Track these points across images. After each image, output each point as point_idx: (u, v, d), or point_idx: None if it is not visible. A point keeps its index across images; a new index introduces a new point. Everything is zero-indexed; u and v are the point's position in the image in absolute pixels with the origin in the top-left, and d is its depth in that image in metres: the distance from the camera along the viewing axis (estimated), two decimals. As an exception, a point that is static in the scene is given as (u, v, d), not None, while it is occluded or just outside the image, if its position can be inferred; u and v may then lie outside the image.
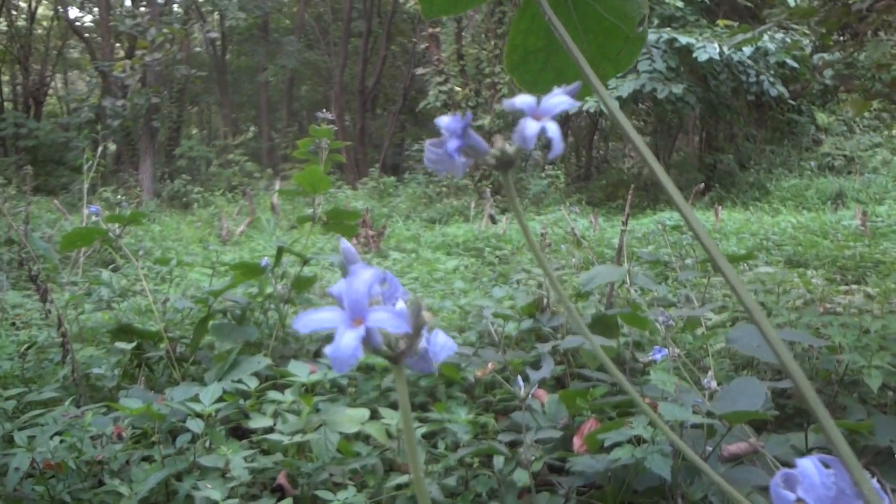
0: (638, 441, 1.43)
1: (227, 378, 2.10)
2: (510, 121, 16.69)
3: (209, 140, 25.99)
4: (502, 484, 1.63)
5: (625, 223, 3.14)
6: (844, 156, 15.68)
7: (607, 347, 2.01)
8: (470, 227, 9.22)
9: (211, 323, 2.52)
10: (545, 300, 2.87)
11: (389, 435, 1.79)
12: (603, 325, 2.41)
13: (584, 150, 20.36)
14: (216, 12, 21.01)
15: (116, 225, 2.81)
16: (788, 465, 1.51)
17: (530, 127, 0.42)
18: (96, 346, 2.76)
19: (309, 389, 1.96)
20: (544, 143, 0.43)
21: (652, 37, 12.37)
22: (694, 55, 12.12)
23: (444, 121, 0.44)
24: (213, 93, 25.56)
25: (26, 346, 2.67)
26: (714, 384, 1.53)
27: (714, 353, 2.59)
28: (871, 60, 4.30)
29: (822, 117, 17.16)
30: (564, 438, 1.86)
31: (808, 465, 0.37)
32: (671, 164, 16.83)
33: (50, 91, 25.60)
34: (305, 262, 2.65)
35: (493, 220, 9.62)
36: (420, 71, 17.16)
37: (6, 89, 24.02)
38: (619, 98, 12.26)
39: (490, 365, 2.24)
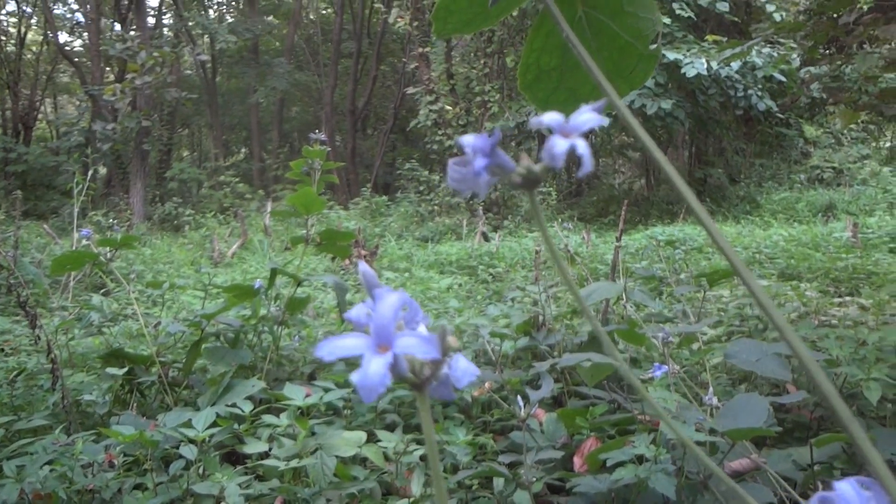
0: (640, 460, 1.41)
1: (221, 402, 2.07)
2: (504, 139, 16.73)
3: (200, 162, 25.99)
4: (502, 506, 1.60)
5: (619, 239, 3.13)
6: (833, 168, 15.80)
7: (606, 365, 1.99)
8: (463, 246, 9.22)
9: (204, 346, 2.49)
10: (541, 318, 2.85)
11: (387, 458, 1.76)
12: (599, 342, 2.39)
13: (576, 167, 20.42)
14: (206, 35, 21.10)
15: (107, 249, 2.78)
16: (790, 479, 1.48)
17: (559, 145, 0.42)
18: (87, 371, 2.72)
19: (304, 413, 1.93)
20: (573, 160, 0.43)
21: (640, 53, 12.47)
22: (682, 71, 12.22)
23: (469, 139, 0.43)
24: (203, 115, 25.60)
25: (15, 372, 2.63)
26: (715, 400, 1.52)
27: (711, 367, 2.57)
28: (858, 73, 4.33)
29: (810, 130, 17.29)
30: (564, 458, 1.84)
31: (846, 488, 0.35)
32: (662, 180, 16.92)
33: (39, 115, 25.57)
34: (299, 283, 2.63)
35: (486, 238, 9.62)
36: (410, 90, 17.23)
37: (-4, 114, 24.01)
38: (609, 114, 12.32)
39: (487, 384, 2.22)
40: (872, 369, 2.16)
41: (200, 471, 1.69)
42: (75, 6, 24.05)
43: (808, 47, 3.98)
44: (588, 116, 0.42)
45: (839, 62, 4.47)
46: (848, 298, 4.70)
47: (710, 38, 4.30)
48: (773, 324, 0.36)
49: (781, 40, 10.24)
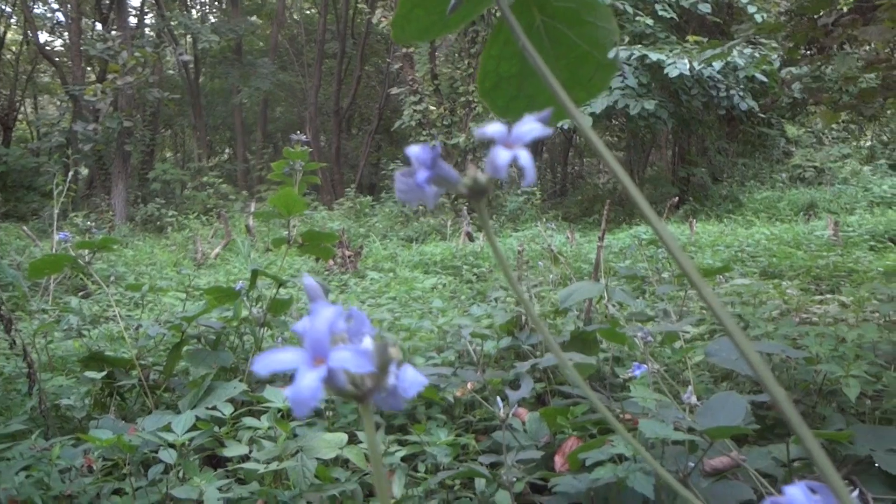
0: (620, 459, 1.41)
1: (202, 405, 2.05)
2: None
3: (184, 163, 25.81)
4: (484, 506, 1.60)
5: (601, 238, 3.14)
6: (815, 167, 15.95)
7: (587, 364, 2.00)
8: (447, 246, 9.22)
9: (185, 349, 2.47)
10: (524, 318, 2.86)
11: (368, 459, 1.76)
12: (582, 341, 2.40)
13: (560, 167, 20.50)
14: (189, 35, 20.96)
15: (86, 251, 2.75)
16: (770, 476, 1.49)
17: (501, 156, 0.42)
18: (66, 375, 2.69)
19: (286, 415, 1.92)
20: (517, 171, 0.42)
21: (623, 54, 12.53)
22: (665, 71, 12.29)
23: (414, 151, 0.43)
24: (186, 116, 25.42)
25: (-7, 377, 2.60)
26: (694, 399, 1.52)
27: (693, 366, 2.58)
28: (838, 74, 4.37)
29: (792, 130, 17.46)
30: (546, 457, 1.84)
31: (795, 493, 0.35)
32: (645, 179, 17.01)
33: (20, 116, 25.30)
34: (281, 284, 2.62)
35: (471, 238, 9.62)
36: (395, 91, 17.22)
37: (-25, 115, 23.70)
38: (592, 114, 12.37)
39: (469, 384, 2.22)
40: (851, 366, 2.18)
41: (180, 475, 1.68)
42: (55, 5, 23.80)
43: (788, 48, 4.01)
44: (530, 127, 0.42)
45: (819, 63, 4.51)
46: (829, 296, 4.74)
47: (691, 38, 4.32)
48: (718, 319, 0.36)
49: (763, 41, 10.32)
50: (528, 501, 1.76)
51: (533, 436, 1.94)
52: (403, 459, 1.85)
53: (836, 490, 0.35)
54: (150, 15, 24.19)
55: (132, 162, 18.67)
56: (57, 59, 23.49)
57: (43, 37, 24.28)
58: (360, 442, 1.81)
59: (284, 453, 1.64)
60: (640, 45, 13.09)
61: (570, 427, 1.77)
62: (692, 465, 1.50)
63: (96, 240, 2.73)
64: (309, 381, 0.34)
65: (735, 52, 12.08)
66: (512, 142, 0.42)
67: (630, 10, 13.27)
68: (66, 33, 22.47)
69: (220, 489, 1.55)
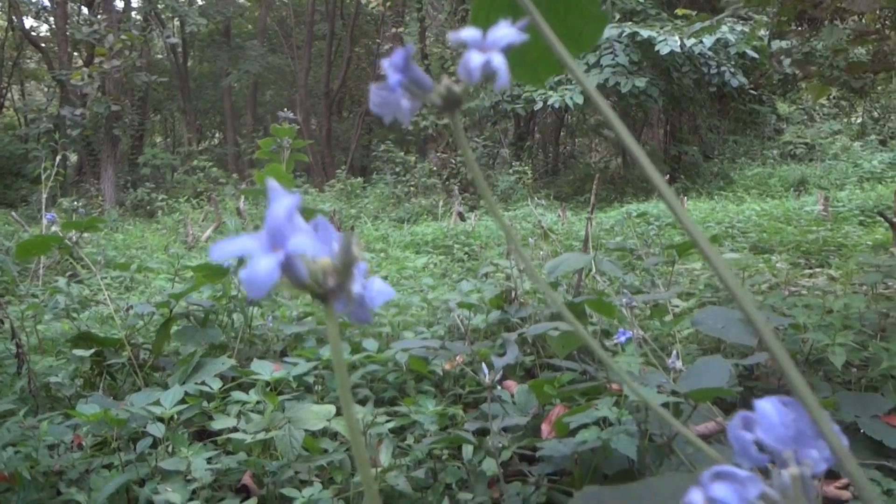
0: (604, 423, 1.42)
1: (191, 381, 2.05)
2: (476, 119, 16.72)
3: (173, 147, 25.65)
4: (471, 474, 1.61)
5: (591, 212, 3.14)
6: (805, 143, 15.97)
7: (574, 335, 2.00)
8: (439, 226, 9.21)
9: (174, 327, 2.47)
10: (513, 292, 2.86)
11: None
12: (571, 313, 2.40)
13: (551, 146, 20.46)
14: (176, 18, 20.74)
15: (73, 232, 2.74)
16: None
17: (474, 59, 0.41)
18: (56, 356, 2.69)
19: (274, 388, 1.92)
20: (488, 77, 0.42)
21: (614, 31, 12.47)
22: (656, 48, 12.25)
23: (388, 59, 0.42)
24: (176, 100, 25.23)
25: (-19, 358, 2.58)
26: (679, 364, 1.53)
27: (682, 339, 2.60)
28: (827, 47, 4.36)
29: (783, 107, 17.46)
30: (534, 428, 1.85)
31: (766, 406, 0.36)
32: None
33: (7, 102, 25.06)
34: (269, 261, 2.60)
35: (462, 218, 9.61)
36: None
37: (-39, 102, 23.49)
38: (582, 92, 12.33)
39: (458, 358, 2.22)
40: (838, 335, 2.20)
41: (169, 448, 1.68)
42: (40, -10, 23.50)
43: (777, 21, 4.00)
44: (505, 32, 0.42)
45: (808, 35, 4.51)
46: (818, 269, 4.77)
47: (679, 11, 4.30)
48: (723, 282, 0.36)
49: (754, 15, 10.28)
50: (517, 470, 1.77)
51: (522, 408, 1.95)
52: (392, 432, 1.86)
53: (809, 405, 0.35)
54: (137, -2, 23.91)
55: (121, 147, 18.53)
56: (43, 44, 23.23)
57: (28, 22, 24.02)
58: (349, 414, 1.81)
59: (272, 425, 1.64)
60: (630, 23, 13.03)
61: (557, 396, 1.78)
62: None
63: (83, 220, 2.72)
64: (265, 264, 0.33)
65: (726, 28, 12.04)
66: (487, 47, 0.42)
67: (620, -13, 13.20)
68: (51, 18, 22.22)
69: (208, 460, 1.55)
